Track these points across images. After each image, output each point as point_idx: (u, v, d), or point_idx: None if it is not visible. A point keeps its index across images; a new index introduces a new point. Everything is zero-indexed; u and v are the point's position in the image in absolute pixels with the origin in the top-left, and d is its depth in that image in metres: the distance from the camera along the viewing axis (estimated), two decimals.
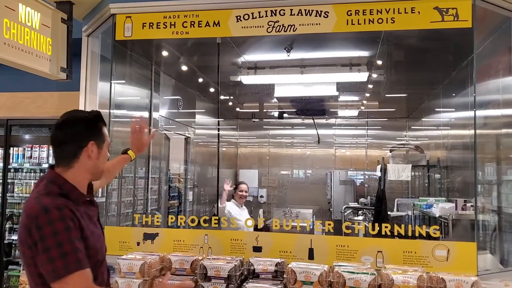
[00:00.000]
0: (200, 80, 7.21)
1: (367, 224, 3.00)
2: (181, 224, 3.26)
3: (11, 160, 4.21)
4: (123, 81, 5.03)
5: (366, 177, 9.17)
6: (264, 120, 9.89)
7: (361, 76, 5.15)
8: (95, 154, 1.81)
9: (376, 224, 2.99)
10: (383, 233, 2.98)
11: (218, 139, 7.88)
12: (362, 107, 8.43)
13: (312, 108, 6.91)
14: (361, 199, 7.63)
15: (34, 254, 1.59)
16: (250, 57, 5.21)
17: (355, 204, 7.26)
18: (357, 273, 2.46)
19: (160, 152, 6.88)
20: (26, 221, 1.63)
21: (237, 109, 9.60)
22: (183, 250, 3.07)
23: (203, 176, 9.14)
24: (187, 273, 2.71)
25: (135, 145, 2.55)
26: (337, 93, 5.67)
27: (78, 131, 1.79)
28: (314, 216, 6.30)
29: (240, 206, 4.76)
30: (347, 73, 5.05)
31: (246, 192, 4.89)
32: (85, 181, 1.84)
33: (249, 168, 10.03)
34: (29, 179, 4.40)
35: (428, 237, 2.97)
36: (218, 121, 8.09)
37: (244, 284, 2.55)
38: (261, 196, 9.68)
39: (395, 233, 2.94)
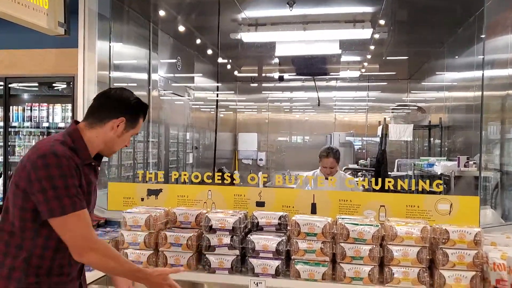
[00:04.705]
0: (199, 41, 7.08)
1: (370, 180, 3.00)
2: (184, 180, 3.26)
3: (11, 120, 4.17)
4: (122, 41, 4.93)
5: (365, 142, 9.18)
6: (264, 83, 9.79)
7: (365, 33, 5.05)
8: (119, 131, 1.87)
9: (380, 179, 2.99)
10: (386, 188, 2.99)
11: (217, 99, 7.79)
12: (363, 70, 8.34)
13: (313, 68, 6.81)
14: (361, 161, 7.66)
15: (32, 191, 1.66)
16: (251, 13, 5.09)
17: (354, 166, 7.29)
18: (361, 224, 2.48)
19: (159, 116, 6.85)
20: (33, 157, 1.69)
21: (236, 72, 9.48)
22: (187, 205, 3.08)
23: (202, 140, 9.14)
24: (192, 226, 2.73)
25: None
26: (339, 51, 5.57)
27: (120, 104, 1.89)
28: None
29: None
30: (351, 29, 4.94)
31: None
32: (96, 149, 1.89)
33: (248, 132, 10.02)
34: (29, 142, 4.38)
35: (430, 193, 2.98)
36: (218, 76, 7.92)
37: (248, 235, 2.58)
38: (260, 159, 9.73)
39: (398, 188, 2.96)
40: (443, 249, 2.39)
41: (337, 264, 2.46)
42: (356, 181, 3.35)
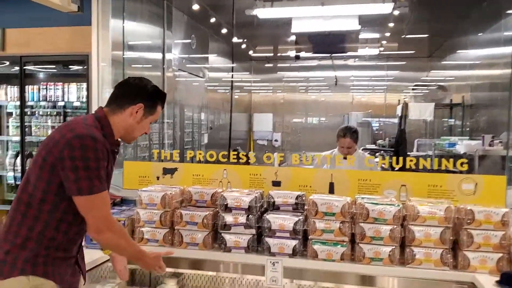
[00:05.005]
0: (213, 19, 6.95)
1: (390, 159, 2.89)
2: (199, 159, 3.21)
3: (27, 99, 4.17)
4: (135, 19, 4.86)
5: (383, 123, 9.00)
6: (279, 62, 9.61)
7: (386, 8, 4.85)
8: (138, 117, 1.95)
9: (401, 158, 2.89)
10: (407, 166, 2.89)
11: (232, 79, 7.67)
12: (381, 48, 8.11)
13: (331, 45, 6.62)
14: (379, 141, 7.51)
15: (63, 167, 1.72)
16: None
17: (372, 146, 7.16)
18: (381, 204, 2.40)
19: (174, 97, 6.80)
20: (69, 136, 1.74)
21: (251, 52, 9.32)
22: (202, 184, 3.04)
23: (217, 121, 9.08)
24: (207, 205, 2.69)
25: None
26: (359, 27, 5.37)
27: (138, 91, 1.98)
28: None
29: None
30: (371, 3, 4.74)
31: None
32: (118, 135, 1.97)
33: (263, 112, 9.91)
34: (46, 123, 4.38)
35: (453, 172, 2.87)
36: (233, 55, 7.78)
37: (264, 215, 2.52)
38: (275, 140, 9.64)
39: (420, 167, 2.85)
40: (468, 230, 2.31)
41: (356, 245, 2.40)
42: (376, 161, 3.24)
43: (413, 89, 7.72)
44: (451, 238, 2.31)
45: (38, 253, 1.77)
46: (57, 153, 1.72)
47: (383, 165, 2.90)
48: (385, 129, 8.68)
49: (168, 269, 2.72)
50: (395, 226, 2.35)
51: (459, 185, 2.72)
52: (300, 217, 2.47)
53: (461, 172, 2.83)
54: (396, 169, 2.91)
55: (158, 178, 3.14)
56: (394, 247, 2.35)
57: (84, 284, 2.04)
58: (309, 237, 2.44)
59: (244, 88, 10.06)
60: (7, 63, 4.29)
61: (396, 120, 7.95)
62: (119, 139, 2.02)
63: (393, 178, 2.84)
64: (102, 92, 3.70)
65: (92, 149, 1.73)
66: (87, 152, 1.72)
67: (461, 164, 2.80)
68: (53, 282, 1.78)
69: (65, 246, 1.84)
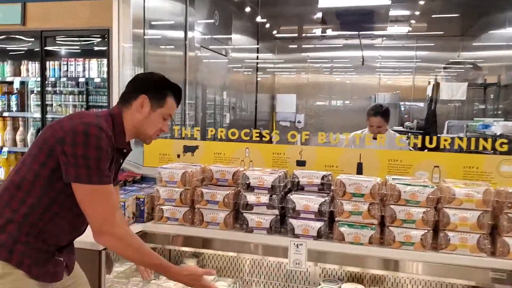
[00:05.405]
0: None
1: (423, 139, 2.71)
2: (221, 137, 3.11)
3: (48, 75, 4.12)
4: None
5: (411, 105, 8.71)
6: (304, 44, 9.33)
7: None
8: (145, 111, 1.84)
9: (434, 137, 2.71)
10: (441, 146, 2.71)
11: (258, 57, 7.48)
12: (410, 28, 7.78)
13: (359, 22, 6.34)
14: (407, 123, 7.26)
15: (63, 151, 1.64)
16: None
17: (400, 128, 6.92)
18: (414, 185, 2.24)
19: (196, 77, 6.70)
20: (75, 122, 1.68)
21: (275, 32, 9.10)
22: (224, 163, 2.94)
23: (239, 103, 8.96)
24: (229, 184, 2.59)
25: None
26: (389, 2, 5.10)
27: (142, 83, 1.90)
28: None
29: None
30: None
31: None
32: (129, 134, 1.87)
33: (286, 93, 9.70)
34: (67, 101, 4.35)
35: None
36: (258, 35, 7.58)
37: (288, 195, 2.41)
38: (299, 122, 9.45)
39: (455, 147, 2.68)
40: (508, 214, 2.14)
41: (386, 228, 2.26)
42: (407, 141, 3.07)
43: (444, 68, 7.36)
44: (490, 222, 2.15)
45: (17, 240, 1.67)
46: (59, 137, 1.66)
47: (415, 144, 2.72)
48: (413, 110, 8.40)
49: (188, 249, 2.67)
50: (428, 209, 2.20)
51: (497, 166, 2.55)
52: (326, 198, 2.34)
53: (500, 153, 2.63)
54: (426, 150, 2.74)
55: (178, 156, 3.06)
56: (426, 231, 2.21)
57: (68, 275, 1.89)
58: (336, 219, 2.31)
59: (267, 69, 9.87)
60: (28, 38, 4.24)
61: (423, 103, 7.67)
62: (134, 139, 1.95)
63: (426, 158, 2.68)
64: (122, 68, 3.62)
65: (95, 137, 1.64)
66: (90, 140, 1.64)
67: (500, 144, 2.61)
68: (23, 272, 1.67)
69: (47, 237, 1.73)
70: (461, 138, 2.78)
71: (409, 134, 6.33)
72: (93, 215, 1.71)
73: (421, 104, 8.29)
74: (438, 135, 5.43)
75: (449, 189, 2.22)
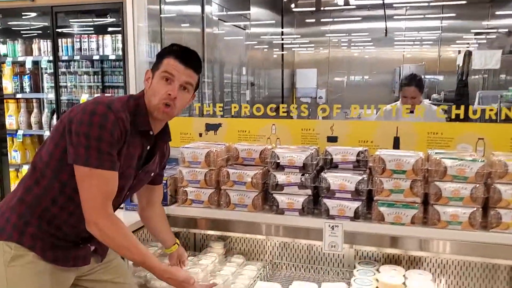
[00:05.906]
0: None
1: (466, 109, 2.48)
2: (245, 113, 2.93)
3: (60, 53, 3.97)
4: None
5: (437, 78, 8.37)
6: (323, 18, 8.97)
7: None
8: (149, 82, 1.74)
9: (478, 108, 2.48)
10: (486, 117, 2.49)
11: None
12: None
13: None
14: (434, 95, 6.94)
15: (70, 131, 1.58)
16: None
17: (426, 101, 6.61)
18: (461, 159, 2.04)
19: (213, 54, 6.50)
20: (88, 102, 1.63)
21: (292, 5, 8.77)
22: (249, 141, 2.77)
23: (257, 80, 8.73)
24: (256, 163, 2.42)
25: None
26: None
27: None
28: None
29: None
30: None
31: None
32: (151, 111, 1.72)
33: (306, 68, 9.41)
34: (81, 83, 4.22)
35: None
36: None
37: (321, 174, 2.23)
38: (320, 97, 9.18)
39: (502, 117, 2.45)
40: None
41: (430, 206, 2.07)
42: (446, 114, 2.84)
43: (476, 34, 6.96)
44: None
45: (28, 222, 1.62)
46: (71, 117, 1.58)
47: (457, 114, 2.50)
48: (440, 83, 8.05)
49: (215, 232, 2.53)
50: (477, 185, 2.00)
51: None
52: (364, 176, 2.16)
53: None
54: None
55: (200, 135, 2.90)
56: (475, 208, 2.01)
57: (101, 261, 1.84)
58: (374, 198, 2.13)
59: (285, 44, 9.57)
60: (38, 14, 4.07)
61: (450, 75, 7.31)
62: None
63: (469, 130, 2.47)
64: (138, 44, 3.45)
65: (100, 116, 1.54)
66: (94, 119, 1.54)
67: None
68: (36, 255, 1.62)
69: (61, 225, 1.66)
70: (508, 108, 2.54)
71: (438, 106, 6.04)
72: (86, 199, 1.59)
73: (447, 76, 7.94)
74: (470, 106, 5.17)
75: (501, 162, 2.01)
